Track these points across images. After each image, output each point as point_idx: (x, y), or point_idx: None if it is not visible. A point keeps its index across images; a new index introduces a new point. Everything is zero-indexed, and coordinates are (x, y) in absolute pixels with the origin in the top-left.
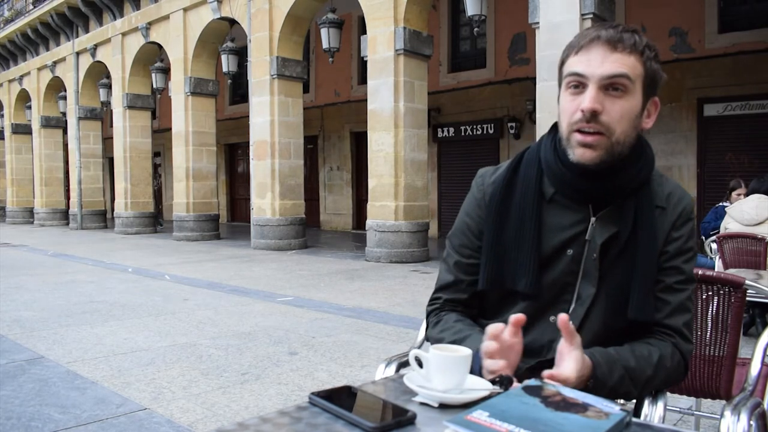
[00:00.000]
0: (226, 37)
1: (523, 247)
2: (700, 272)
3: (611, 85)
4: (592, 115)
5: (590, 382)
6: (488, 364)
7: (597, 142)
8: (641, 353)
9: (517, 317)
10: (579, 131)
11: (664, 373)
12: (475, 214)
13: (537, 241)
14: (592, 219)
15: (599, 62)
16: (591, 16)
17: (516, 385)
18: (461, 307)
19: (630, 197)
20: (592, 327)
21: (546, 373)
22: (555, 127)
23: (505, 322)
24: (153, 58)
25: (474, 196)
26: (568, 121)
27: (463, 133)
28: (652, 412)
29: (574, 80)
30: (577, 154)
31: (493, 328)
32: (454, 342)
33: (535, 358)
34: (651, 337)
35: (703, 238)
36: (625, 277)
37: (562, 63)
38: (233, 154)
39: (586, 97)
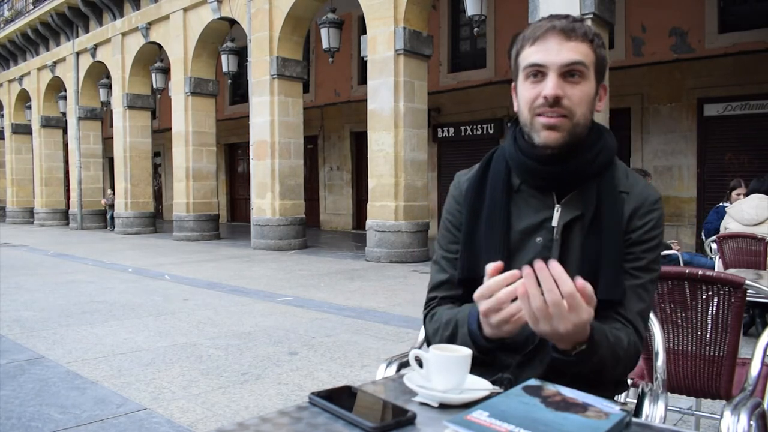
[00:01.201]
0: (226, 37)
1: (494, 234)
2: (700, 272)
3: (569, 72)
4: (555, 101)
5: (579, 348)
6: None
7: (561, 124)
8: (616, 334)
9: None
10: (541, 115)
11: (626, 360)
12: (455, 210)
13: (505, 228)
14: (557, 205)
15: (556, 51)
16: (591, 15)
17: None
18: (458, 303)
19: (592, 181)
20: None
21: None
22: (515, 123)
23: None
24: (153, 58)
25: (452, 195)
26: (530, 107)
27: (463, 133)
28: (653, 412)
29: (534, 70)
30: (542, 136)
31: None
32: (450, 319)
33: (521, 352)
34: (614, 323)
35: (704, 237)
36: (594, 259)
37: (517, 55)
38: (233, 154)
39: (548, 84)
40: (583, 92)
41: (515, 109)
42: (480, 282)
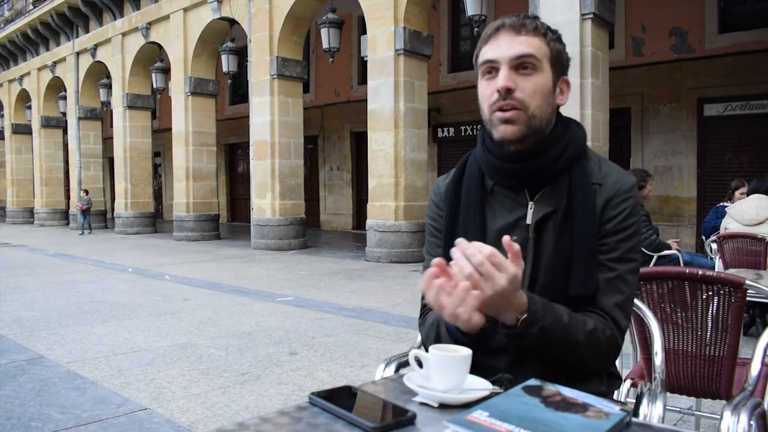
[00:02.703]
0: (226, 37)
1: (469, 236)
2: (700, 272)
3: (520, 65)
4: (507, 92)
5: (521, 317)
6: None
7: (516, 116)
8: (576, 317)
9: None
10: (499, 110)
11: (594, 348)
12: (436, 214)
13: (481, 229)
14: (530, 203)
15: (507, 46)
16: (591, 16)
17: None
18: None
19: (563, 176)
20: None
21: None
22: (483, 126)
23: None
24: (153, 58)
25: (432, 200)
26: (488, 104)
27: (463, 133)
28: (651, 411)
29: (488, 67)
30: (500, 131)
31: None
32: (435, 320)
33: (505, 355)
34: (590, 316)
35: (704, 237)
36: (566, 255)
37: (476, 57)
38: (233, 154)
39: (499, 77)
40: (536, 84)
41: (480, 108)
42: None
